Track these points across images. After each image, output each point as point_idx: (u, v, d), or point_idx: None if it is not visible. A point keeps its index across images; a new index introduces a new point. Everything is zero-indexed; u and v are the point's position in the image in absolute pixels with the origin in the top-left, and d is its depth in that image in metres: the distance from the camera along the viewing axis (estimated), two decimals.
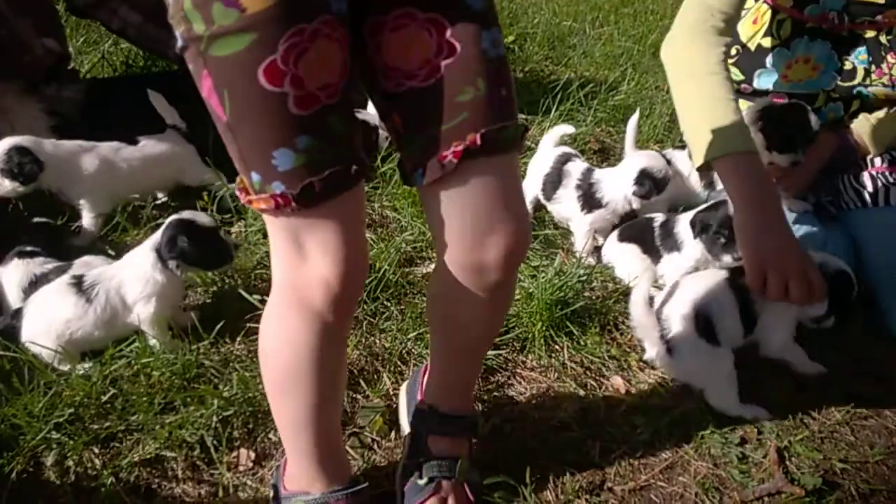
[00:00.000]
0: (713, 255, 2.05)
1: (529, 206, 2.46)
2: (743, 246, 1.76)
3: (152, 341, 1.87)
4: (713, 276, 1.88)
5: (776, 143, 2.08)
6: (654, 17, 4.31)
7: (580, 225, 2.37)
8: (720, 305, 1.82)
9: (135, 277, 1.86)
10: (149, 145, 2.38)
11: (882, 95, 2.19)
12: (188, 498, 1.61)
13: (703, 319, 1.81)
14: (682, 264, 2.13)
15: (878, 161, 2.21)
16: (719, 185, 2.20)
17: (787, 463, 1.74)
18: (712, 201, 2.13)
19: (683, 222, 2.14)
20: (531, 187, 2.50)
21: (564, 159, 2.45)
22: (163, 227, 1.91)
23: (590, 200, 2.34)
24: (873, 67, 2.14)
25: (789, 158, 2.06)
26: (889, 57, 2.16)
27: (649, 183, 2.23)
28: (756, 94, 2.32)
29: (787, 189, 2.18)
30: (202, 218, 1.94)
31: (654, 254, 2.22)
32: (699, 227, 2.04)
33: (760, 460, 1.74)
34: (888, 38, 2.15)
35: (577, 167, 2.42)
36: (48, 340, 1.80)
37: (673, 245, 2.16)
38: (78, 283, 1.85)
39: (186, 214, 1.92)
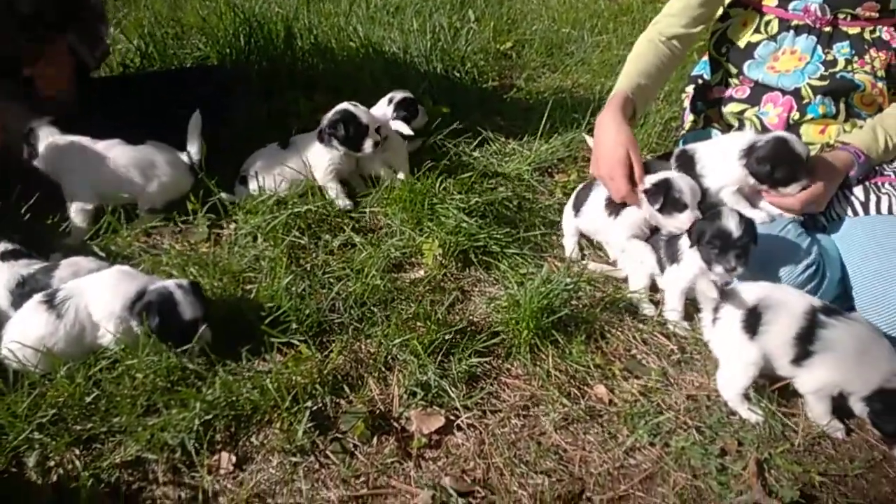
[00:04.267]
0: (707, 264, 2.06)
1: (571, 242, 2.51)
2: None
3: None
4: (795, 293, 1.95)
5: (780, 181, 2.16)
6: None
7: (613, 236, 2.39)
8: (779, 314, 1.87)
9: (99, 300, 1.85)
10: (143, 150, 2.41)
11: (868, 82, 2.25)
12: (168, 501, 1.62)
13: (754, 312, 1.87)
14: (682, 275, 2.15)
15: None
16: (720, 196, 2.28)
17: (767, 475, 1.74)
18: (711, 211, 2.13)
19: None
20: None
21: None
22: (156, 284, 1.87)
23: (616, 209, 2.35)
24: (856, 58, 2.24)
25: (797, 187, 2.14)
26: (871, 51, 2.24)
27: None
28: (750, 95, 2.40)
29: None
30: (189, 305, 1.84)
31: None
32: (696, 237, 2.06)
33: (740, 472, 1.74)
34: (872, 36, 2.23)
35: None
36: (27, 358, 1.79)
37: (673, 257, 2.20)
38: (50, 301, 1.84)
39: (178, 293, 1.84)
